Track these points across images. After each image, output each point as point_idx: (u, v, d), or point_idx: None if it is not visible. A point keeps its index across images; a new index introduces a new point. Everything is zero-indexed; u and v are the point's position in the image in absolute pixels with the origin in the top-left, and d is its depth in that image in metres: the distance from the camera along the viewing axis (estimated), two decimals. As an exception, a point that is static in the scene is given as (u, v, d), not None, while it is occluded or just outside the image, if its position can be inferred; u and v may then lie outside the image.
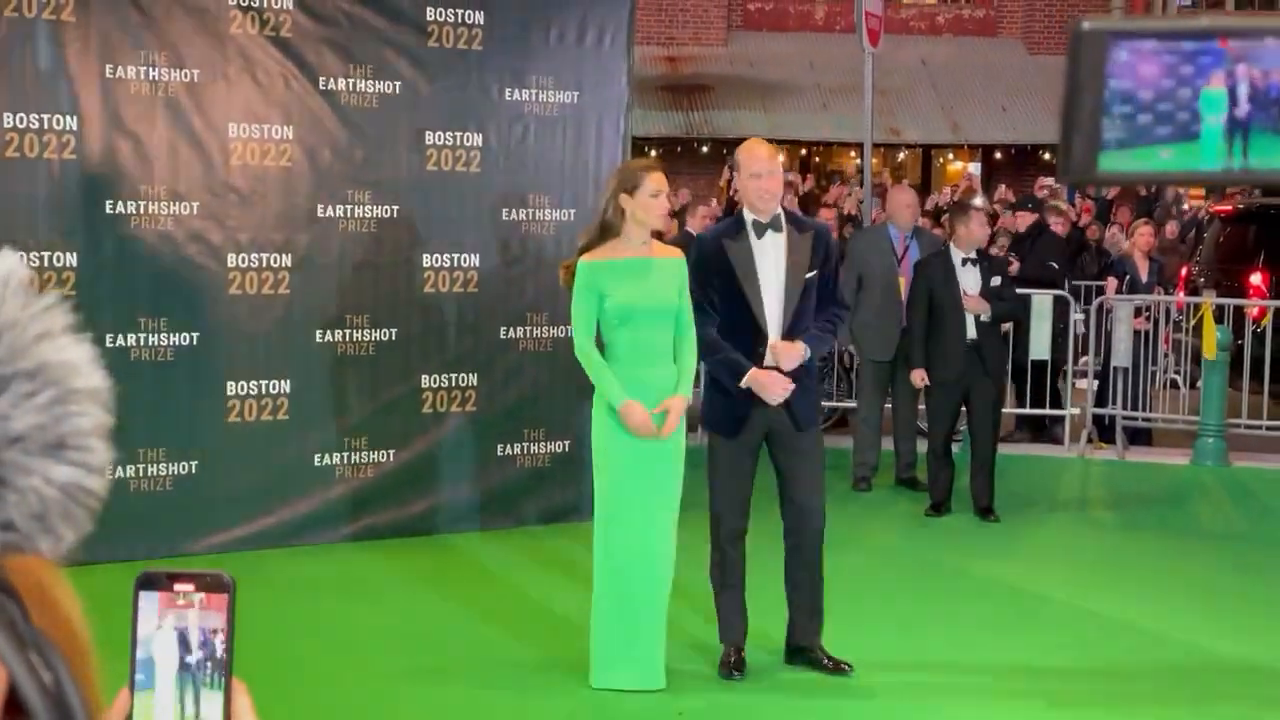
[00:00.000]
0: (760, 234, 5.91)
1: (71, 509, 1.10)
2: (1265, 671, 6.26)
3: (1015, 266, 11.22)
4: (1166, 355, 11.71)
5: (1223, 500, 9.89)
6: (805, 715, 5.62)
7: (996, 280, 9.04)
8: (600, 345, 5.72)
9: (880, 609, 7.10)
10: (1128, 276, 11.46)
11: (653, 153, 21.16)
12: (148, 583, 1.20)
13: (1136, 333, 11.19)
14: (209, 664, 1.18)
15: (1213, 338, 10.63)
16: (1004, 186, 21.90)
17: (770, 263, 5.88)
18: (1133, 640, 6.65)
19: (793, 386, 5.84)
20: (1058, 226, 11.91)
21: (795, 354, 5.81)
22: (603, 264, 5.67)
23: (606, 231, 5.71)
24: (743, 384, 5.81)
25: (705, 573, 6.02)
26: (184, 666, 1.18)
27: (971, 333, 8.97)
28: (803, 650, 6.05)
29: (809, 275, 5.89)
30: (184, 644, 1.18)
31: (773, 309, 5.87)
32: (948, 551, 8.36)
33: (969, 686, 5.96)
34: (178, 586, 1.20)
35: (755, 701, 5.73)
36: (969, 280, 8.99)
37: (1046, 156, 24.77)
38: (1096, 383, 11.49)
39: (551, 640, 6.30)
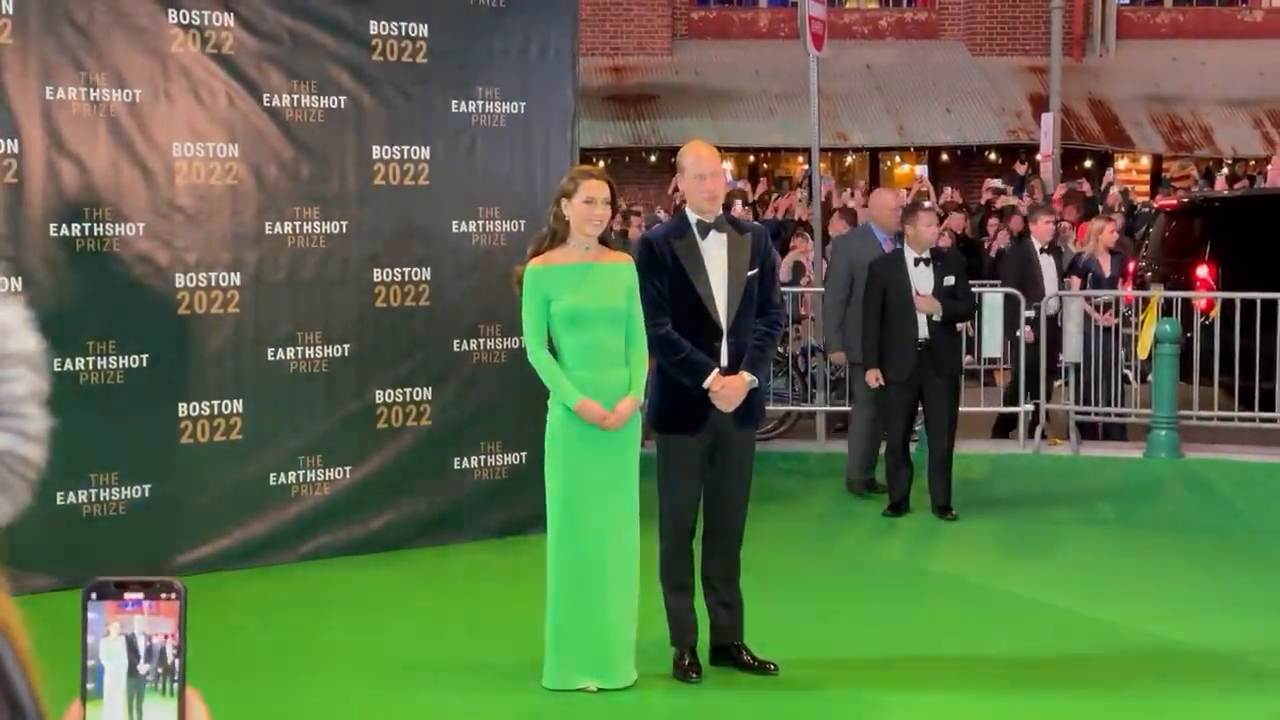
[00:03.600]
0: (704, 234, 5.95)
1: (7, 478, 1.06)
2: (1221, 659, 6.31)
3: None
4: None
5: (1177, 492, 9.96)
6: (770, 713, 5.62)
7: (949, 280, 9.06)
8: (552, 351, 5.74)
9: (840, 608, 7.11)
10: (1090, 274, 11.53)
11: (600, 163, 21.14)
12: (97, 591, 1.18)
13: (1105, 329, 11.26)
14: (159, 670, 1.17)
15: (1149, 335, 10.71)
16: (949, 189, 22.03)
17: (716, 262, 5.92)
18: (1090, 631, 6.70)
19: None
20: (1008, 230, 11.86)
21: (740, 389, 5.85)
22: (547, 269, 5.70)
23: (553, 237, 5.74)
24: (706, 385, 5.82)
25: (656, 574, 6.03)
26: (134, 673, 1.16)
27: (923, 332, 8.98)
28: (725, 649, 6.06)
29: (750, 274, 5.95)
30: (133, 650, 1.16)
31: (722, 306, 5.90)
32: (906, 550, 8.39)
33: (929, 680, 5.98)
34: (127, 595, 1.18)
35: (719, 702, 5.73)
36: (921, 280, 9.02)
37: (991, 156, 24.93)
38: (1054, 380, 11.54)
39: (515, 648, 6.28)
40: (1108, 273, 11.52)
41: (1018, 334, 10.87)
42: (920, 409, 9.31)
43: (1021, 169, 22.87)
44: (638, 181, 23.02)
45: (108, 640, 1.17)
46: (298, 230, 7.95)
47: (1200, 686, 5.93)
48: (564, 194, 5.75)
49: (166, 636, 1.18)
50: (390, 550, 8.13)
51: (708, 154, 6.01)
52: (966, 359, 10.81)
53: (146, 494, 7.56)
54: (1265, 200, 14.18)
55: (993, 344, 11.15)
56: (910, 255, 9.07)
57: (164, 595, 1.18)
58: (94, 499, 7.42)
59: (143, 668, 1.16)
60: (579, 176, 5.80)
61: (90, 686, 1.16)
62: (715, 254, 5.93)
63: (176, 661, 1.17)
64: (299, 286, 7.96)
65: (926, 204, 16.75)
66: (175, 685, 1.17)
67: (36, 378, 1.08)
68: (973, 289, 9.84)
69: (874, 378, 9.13)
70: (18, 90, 7.20)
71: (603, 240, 5.83)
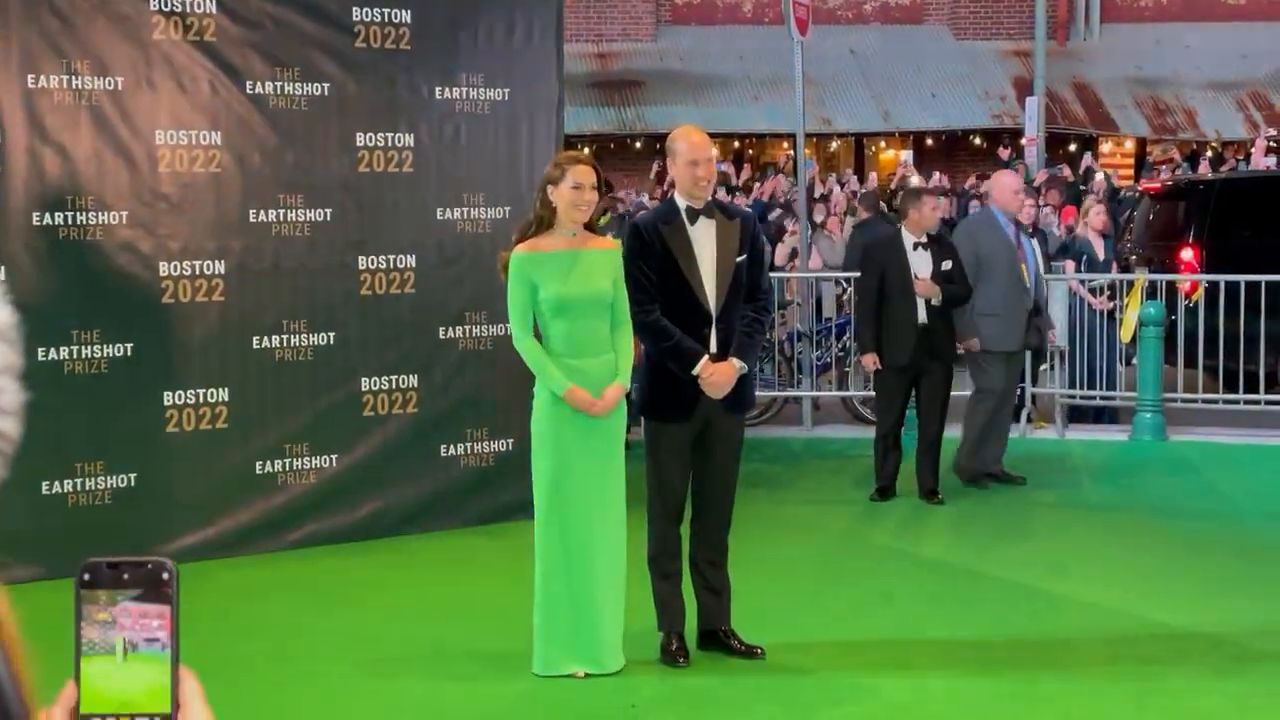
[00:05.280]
0: (694, 220, 5.93)
1: None
2: (1210, 640, 6.33)
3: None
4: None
5: (1162, 474, 10.00)
6: (759, 696, 5.63)
7: (947, 264, 9.01)
8: (538, 337, 5.74)
9: (827, 591, 7.13)
10: (1085, 257, 11.55)
11: (585, 149, 21.13)
12: (90, 571, 1.20)
13: (1092, 312, 11.28)
14: (149, 641, 1.18)
15: (1132, 320, 10.73)
16: (938, 173, 22.06)
17: (705, 248, 5.91)
18: (1078, 614, 6.72)
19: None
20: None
21: (729, 376, 5.85)
22: (533, 256, 5.68)
23: (539, 224, 5.73)
24: (695, 372, 5.81)
25: (643, 561, 6.04)
26: (126, 644, 1.18)
27: (922, 317, 8.93)
28: (713, 634, 6.08)
29: (739, 259, 5.94)
30: (125, 627, 1.18)
31: (711, 292, 5.90)
32: (893, 534, 8.41)
33: (916, 663, 5.99)
34: (120, 573, 1.20)
35: (707, 686, 5.75)
36: (920, 264, 8.96)
37: (976, 141, 24.96)
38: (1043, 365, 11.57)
39: (503, 634, 6.29)
40: (1101, 256, 11.54)
41: None
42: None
43: (1006, 153, 22.90)
44: (623, 168, 23.00)
45: (101, 615, 1.19)
46: (282, 218, 7.93)
47: (1185, 668, 5.96)
48: (550, 180, 5.73)
49: (159, 615, 1.19)
50: (377, 538, 8.13)
51: (700, 140, 6.00)
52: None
53: (132, 483, 7.54)
54: (1249, 183, 14.22)
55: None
56: (909, 239, 9.02)
57: (156, 574, 1.20)
58: (79, 488, 7.40)
59: (133, 638, 1.18)
60: (565, 163, 5.79)
61: (84, 651, 1.18)
62: (704, 240, 5.92)
63: (168, 637, 1.19)
64: (283, 274, 7.95)
65: (914, 181, 16.66)
66: (165, 652, 1.19)
67: (9, 351, 1.08)
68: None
69: (871, 362, 9.12)
70: (-1, 79, 7.17)
71: (588, 226, 5.83)
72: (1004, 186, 9.69)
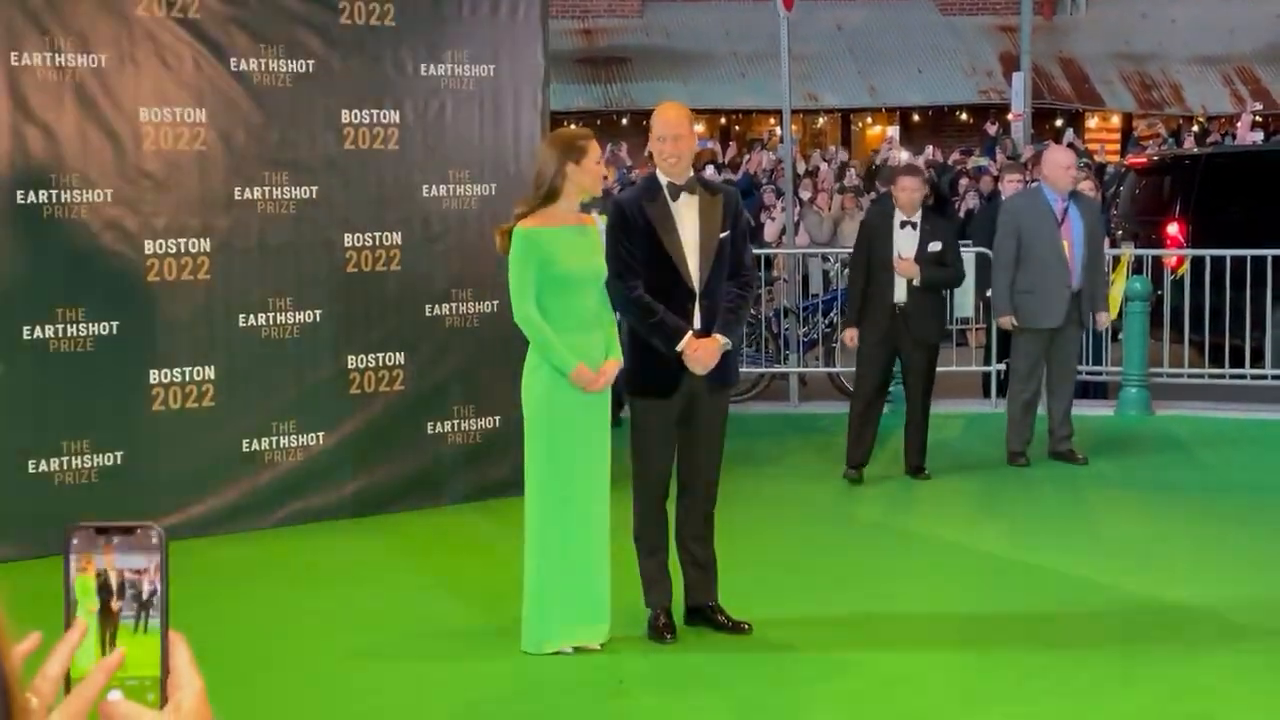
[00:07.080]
0: (675, 196, 5.93)
1: None
2: (1193, 613, 6.37)
3: None
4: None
5: (1148, 448, 10.02)
6: (745, 672, 5.65)
7: (935, 245, 8.94)
8: None
9: (814, 567, 7.15)
10: None
11: (572, 126, 21.08)
12: (79, 534, 1.21)
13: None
14: (135, 607, 1.19)
15: (1118, 295, 10.74)
16: (931, 148, 22.05)
17: (687, 224, 5.91)
18: (1062, 587, 6.75)
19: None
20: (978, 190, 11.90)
21: (714, 352, 5.86)
22: (545, 231, 5.67)
23: (548, 200, 5.72)
24: (679, 348, 5.82)
25: (630, 538, 6.06)
26: (108, 611, 1.19)
27: (900, 296, 8.88)
28: (700, 610, 6.10)
29: (722, 235, 5.93)
30: (110, 589, 1.19)
31: (694, 268, 5.90)
32: (880, 510, 8.43)
33: (903, 639, 6.01)
34: (109, 537, 1.21)
35: (694, 662, 5.76)
36: (904, 243, 8.92)
37: (963, 117, 24.95)
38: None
39: (491, 611, 6.30)
40: None
41: (989, 294, 10.85)
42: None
43: (993, 129, 22.89)
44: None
45: (86, 579, 1.19)
46: (267, 195, 7.91)
47: (1173, 641, 5.98)
48: (572, 159, 5.69)
49: (149, 579, 1.20)
50: (364, 515, 8.13)
51: (674, 116, 5.99)
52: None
53: (119, 461, 7.53)
54: (1234, 157, 14.24)
55: (965, 304, 11.17)
56: (898, 217, 8.97)
57: (144, 539, 1.20)
58: (66, 467, 7.38)
59: (119, 604, 1.19)
60: (582, 140, 5.78)
61: (75, 620, 1.19)
62: (687, 216, 5.93)
63: (153, 600, 1.20)
64: (269, 252, 7.92)
65: (902, 156, 16.62)
66: (149, 620, 1.20)
67: None
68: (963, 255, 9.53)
69: (850, 337, 9.11)
70: (-19, 56, 7.13)
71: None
72: (1054, 163, 9.49)
